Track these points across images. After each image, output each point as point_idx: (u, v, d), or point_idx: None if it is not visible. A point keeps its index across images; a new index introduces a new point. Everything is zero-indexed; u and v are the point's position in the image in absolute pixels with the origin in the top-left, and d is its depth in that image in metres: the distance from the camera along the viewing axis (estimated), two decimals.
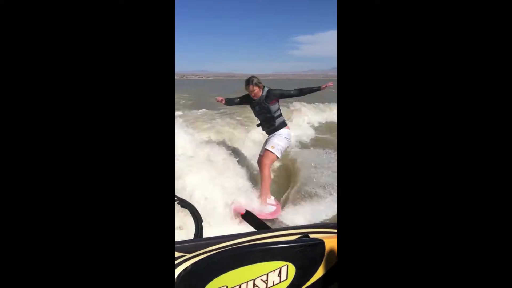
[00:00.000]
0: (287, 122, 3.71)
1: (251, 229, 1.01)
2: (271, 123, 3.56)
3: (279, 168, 4.64)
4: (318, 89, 3.65)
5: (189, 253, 0.75)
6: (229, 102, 3.81)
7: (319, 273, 0.75)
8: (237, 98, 3.74)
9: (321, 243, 0.76)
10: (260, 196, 3.26)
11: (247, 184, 3.35)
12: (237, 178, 3.31)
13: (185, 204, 1.15)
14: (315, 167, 4.40)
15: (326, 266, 0.75)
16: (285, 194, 3.78)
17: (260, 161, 3.51)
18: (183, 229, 2.14)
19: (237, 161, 3.68)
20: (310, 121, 8.12)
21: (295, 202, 3.35)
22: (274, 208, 3.15)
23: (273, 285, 0.71)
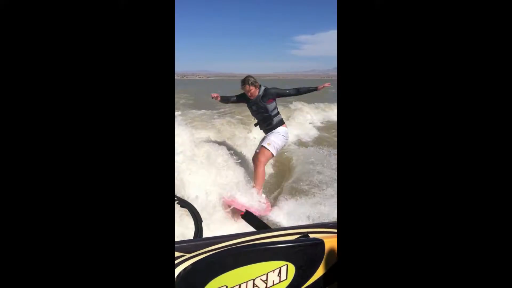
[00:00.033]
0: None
1: (250, 229, 1.01)
2: (268, 122, 3.56)
3: (274, 165, 4.67)
4: (315, 89, 3.66)
5: (189, 253, 0.75)
6: (225, 99, 3.81)
7: (319, 273, 0.75)
8: (234, 96, 3.74)
9: (321, 243, 0.76)
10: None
11: (245, 182, 3.36)
12: (235, 176, 3.32)
13: (184, 204, 1.15)
14: (311, 163, 4.44)
15: (326, 266, 0.75)
16: (277, 190, 3.80)
17: (255, 158, 3.52)
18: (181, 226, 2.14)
19: (237, 159, 3.69)
20: (310, 120, 8.14)
21: (282, 199, 3.37)
22: (264, 206, 3.13)
23: (273, 285, 0.71)
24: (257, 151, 3.55)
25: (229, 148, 4.15)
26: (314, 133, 7.25)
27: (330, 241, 0.77)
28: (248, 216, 1.03)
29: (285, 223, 2.79)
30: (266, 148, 3.44)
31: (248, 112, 3.78)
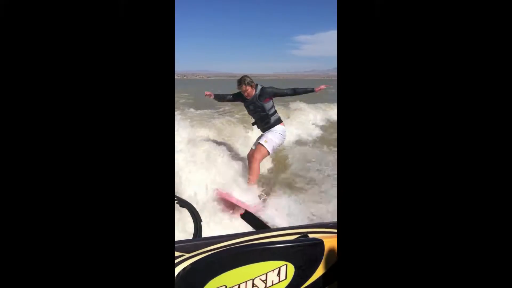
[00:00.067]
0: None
1: (250, 228, 1.01)
2: (266, 121, 3.56)
3: (271, 162, 4.71)
4: (312, 90, 3.66)
5: (188, 252, 0.75)
6: (220, 97, 3.81)
7: (318, 272, 0.75)
8: (230, 94, 3.75)
9: (320, 243, 0.76)
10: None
11: (243, 180, 3.37)
12: (234, 175, 3.34)
13: (184, 203, 1.15)
14: (309, 161, 4.47)
15: (325, 266, 0.75)
16: (272, 186, 3.82)
17: (251, 155, 3.52)
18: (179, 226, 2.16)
19: (236, 158, 3.71)
20: (309, 119, 8.14)
21: (275, 195, 3.39)
22: (257, 202, 3.14)
23: (272, 284, 0.71)
24: (253, 148, 3.56)
25: (229, 147, 4.16)
26: (315, 132, 7.27)
27: (330, 241, 0.77)
28: (247, 216, 1.03)
29: (277, 220, 2.82)
30: (262, 145, 3.44)
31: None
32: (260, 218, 1.07)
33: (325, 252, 0.75)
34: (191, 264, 0.72)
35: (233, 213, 2.88)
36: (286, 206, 3.08)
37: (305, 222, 2.83)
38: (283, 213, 2.95)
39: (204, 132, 5.13)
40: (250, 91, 3.46)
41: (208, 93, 3.75)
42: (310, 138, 6.57)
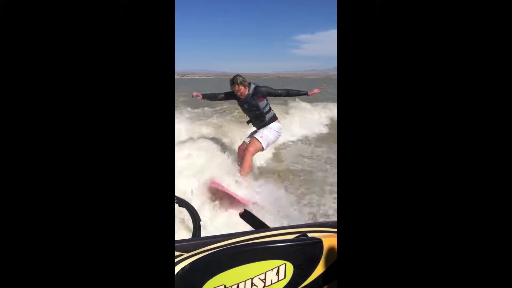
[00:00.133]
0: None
1: (249, 228, 1.01)
2: (261, 119, 3.58)
3: (270, 158, 4.78)
4: (306, 93, 3.67)
5: (187, 252, 0.75)
6: (211, 97, 3.82)
7: (317, 272, 0.75)
8: (221, 93, 3.76)
9: (319, 242, 0.76)
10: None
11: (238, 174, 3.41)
12: (232, 173, 3.36)
13: (183, 203, 1.15)
14: (307, 158, 4.55)
15: (324, 265, 0.75)
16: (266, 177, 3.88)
17: (244, 147, 3.54)
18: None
19: (233, 156, 3.74)
20: (310, 118, 8.16)
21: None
22: (247, 196, 3.19)
23: (271, 284, 0.71)
24: (246, 141, 3.59)
25: (227, 145, 4.19)
26: (315, 131, 7.30)
27: (329, 240, 0.77)
28: (246, 215, 1.03)
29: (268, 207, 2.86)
30: (257, 140, 3.46)
31: None
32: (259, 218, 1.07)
33: (324, 251, 0.76)
34: (190, 263, 0.72)
35: (221, 202, 2.92)
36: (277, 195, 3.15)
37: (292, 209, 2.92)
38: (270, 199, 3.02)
39: (202, 130, 5.16)
40: (243, 91, 3.47)
41: (196, 93, 3.76)
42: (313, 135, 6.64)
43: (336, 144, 0.72)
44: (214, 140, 4.25)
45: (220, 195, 2.99)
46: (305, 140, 6.40)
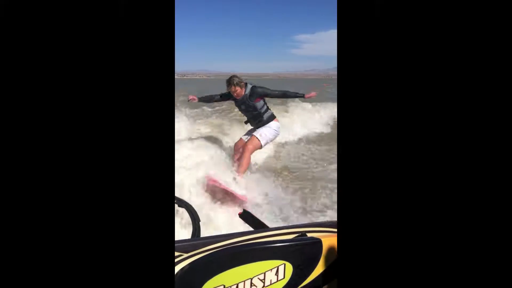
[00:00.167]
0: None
1: (248, 228, 1.01)
2: (259, 119, 3.60)
3: (271, 156, 4.86)
4: (302, 96, 3.70)
5: (187, 252, 0.75)
6: (206, 99, 3.85)
7: (317, 271, 0.75)
8: (217, 95, 3.78)
9: (318, 242, 0.76)
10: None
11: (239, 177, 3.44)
12: (230, 171, 3.39)
13: (182, 203, 1.15)
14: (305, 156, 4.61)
15: (323, 265, 0.76)
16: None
17: (242, 145, 3.56)
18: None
19: (230, 153, 3.78)
20: (310, 117, 8.16)
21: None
22: (243, 195, 3.20)
23: (270, 284, 0.71)
24: (244, 138, 3.61)
25: (227, 143, 4.21)
26: (313, 131, 7.32)
27: (328, 240, 0.77)
28: (245, 215, 1.03)
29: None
30: (257, 138, 3.48)
31: None
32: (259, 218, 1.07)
33: (324, 251, 0.76)
34: (189, 264, 0.72)
35: (221, 201, 2.94)
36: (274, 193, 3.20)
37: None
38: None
39: (201, 129, 5.18)
40: (240, 91, 3.48)
41: (191, 97, 3.80)
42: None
43: (335, 144, 0.72)
44: (214, 139, 4.27)
45: (218, 193, 3.01)
46: (304, 139, 6.41)
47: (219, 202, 2.95)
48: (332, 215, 2.88)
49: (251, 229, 0.99)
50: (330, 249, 0.76)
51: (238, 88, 3.46)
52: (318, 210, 3.05)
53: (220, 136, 4.88)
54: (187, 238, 0.93)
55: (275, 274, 0.71)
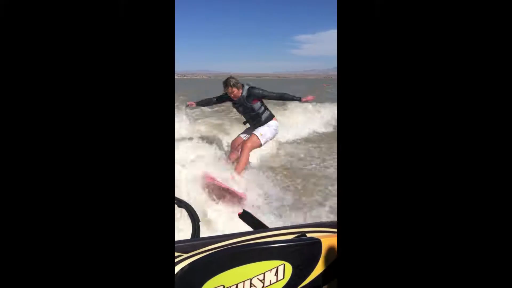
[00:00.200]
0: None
1: (248, 228, 1.01)
2: (257, 120, 3.63)
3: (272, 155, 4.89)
4: (299, 99, 3.73)
5: (186, 252, 0.75)
6: (205, 103, 3.90)
7: (316, 272, 0.75)
8: (214, 98, 3.82)
9: (318, 242, 0.76)
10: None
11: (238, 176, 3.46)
12: (228, 168, 3.41)
13: (182, 204, 1.15)
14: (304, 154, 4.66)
15: (323, 265, 0.76)
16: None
17: (242, 143, 3.58)
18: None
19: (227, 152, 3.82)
20: (311, 117, 8.17)
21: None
22: (242, 193, 3.21)
23: (270, 284, 0.71)
24: (243, 137, 3.63)
25: (226, 143, 4.23)
26: (313, 130, 7.34)
27: (328, 240, 0.77)
28: (245, 216, 1.03)
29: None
30: (257, 136, 3.50)
31: None
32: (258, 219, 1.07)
33: (323, 252, 0.76)
34: (189, 264, 0.72)
35: (223, 199, 2.95)
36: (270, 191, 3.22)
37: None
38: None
39: (201, 129, 5.20)
40: (237, 92, 3.50)
41: (189, 103, 3.87)
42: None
43: (334, 144, 0.72)
44: (214, 139, 4.29)
45: (217, 191, 3.02)
46: (303, 139, 6.43)
47: (218, 200, 2.97)
48: (332, 215, 2.89)
49: (250, 229, 0.99)
50: (330, 249, 0.76)
51: (235, 89, 3.48)
52: (316, 209, 3.06)
53: (220, 136, 4.90)
54: (186, 238, 0.93)
55: (275, 275, 0.71)
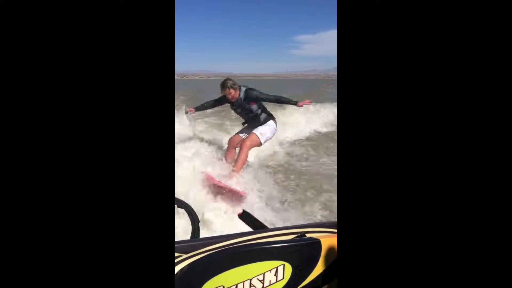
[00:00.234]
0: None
1: (247, 228, 1.01)
2: (256, 120, 3.66)
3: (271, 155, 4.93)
4: (295, 103, 3.76)
5: (186, 253, 0.75)
6: (202, 107, 3.94)
7: (316, 272, 0.75)
8: (211, 101, 3.84)
9: (317, 242, 0.76)
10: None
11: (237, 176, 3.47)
12: (227, 167, 3.42)
13: (181, 204, 1.15)
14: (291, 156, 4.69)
15: (322, 266, 0.75)
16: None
17: (241, 141, 3.60)
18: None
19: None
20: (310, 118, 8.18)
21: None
22: (241, 191, 3.19)
23: (270, 284, 0.71)
24: (242, 135, 3.64)
25: (225, 143, 4.25)
26: (313, 130, 7.36)
27: (327, 241, 0.77)
28: (245, 216, 1.03)
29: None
30: (257, 135, 3.52)
31: None
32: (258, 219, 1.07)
33: (323, 252, 0.76)
34: (189, 264, 0.72)
35: (222, 196, 2.96)
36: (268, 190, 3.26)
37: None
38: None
39: (200, 129, 5.21)
40: (234, 94, 3.52)
41: (189, 109, 3.94)
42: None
43: (335, 143, 0.72)
44: (214, 138, 4.30)
45: (217, 189, 3.03)
46: (302, 139, 6.44)
47: (217, 199, 2.97)
48: (332, 215, 2.90)
49: (250, 229, 0.99)
50: (329, 250, 0.76)
51: (232, 91, 3.50)
52: (315, 208, 3.07)
53: (220, 135, 4.91)
54: (186, 239, 0.93)
55: (274, 275, 0.71)
